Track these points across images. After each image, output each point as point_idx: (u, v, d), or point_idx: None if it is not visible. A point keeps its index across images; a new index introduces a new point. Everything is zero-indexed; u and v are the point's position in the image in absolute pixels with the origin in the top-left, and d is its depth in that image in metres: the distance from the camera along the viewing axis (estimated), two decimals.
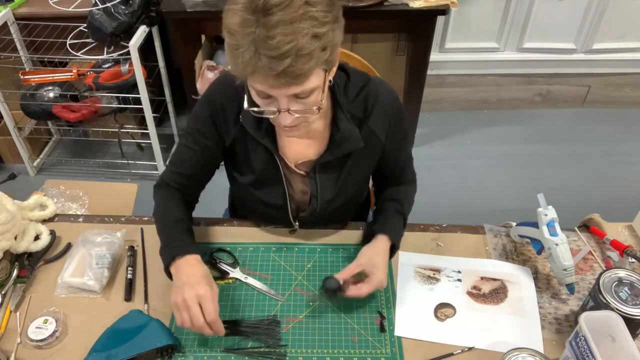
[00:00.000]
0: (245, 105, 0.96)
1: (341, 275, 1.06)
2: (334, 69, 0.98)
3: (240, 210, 1.39)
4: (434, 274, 1.16)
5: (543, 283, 1.14)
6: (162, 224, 1.13)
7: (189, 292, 0.97)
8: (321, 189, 1.16)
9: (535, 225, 1.12)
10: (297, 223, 1.24)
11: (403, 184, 1.27)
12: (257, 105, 0.95)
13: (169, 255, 1.04)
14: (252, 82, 0.90)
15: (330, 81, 0.98)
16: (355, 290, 1.05)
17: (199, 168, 1.17)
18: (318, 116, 1.00)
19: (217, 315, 0.97)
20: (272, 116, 0.95)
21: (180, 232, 1.10)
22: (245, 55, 0.84)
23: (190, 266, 1.02)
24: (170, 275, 1.04)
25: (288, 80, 0.85)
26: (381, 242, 1.12)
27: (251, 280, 1.14)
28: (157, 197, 1.18)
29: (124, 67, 2.33)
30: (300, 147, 1.15)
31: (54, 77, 2.36)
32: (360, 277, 1.07)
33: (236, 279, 1.15)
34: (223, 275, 1.16)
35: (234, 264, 1.17)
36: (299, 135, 1.03)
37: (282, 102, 0.91)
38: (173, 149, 2.80)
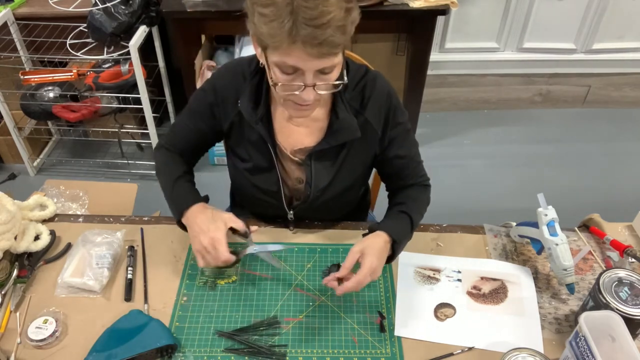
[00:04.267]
0: (270, 82, 0.98)
1: (341, 274, 1.03)
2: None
3: (238, 197, 1.39)
4: (434, 274, 1.16)
5: (543, 283, 1.14)
6: (164, 183, 1.21)
7: (204, 239, 1.06)
8: (315, 177, 1.16)
9: (535, 225, 1.12)
10: (291, 212, 1.24)
11: (411, 187, 1.23)
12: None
13: (177, 211, 1.14)
14: (286, 55, 0.90)
15: None
16: (350, 284, 1.00)
17: (191, 143, 1.24)
18: (319, 102, 1.06)
19: (228, 253, 1.05)
20: (296, 92, 0.96)
21: (183, 187, 1.18)
22: (284, 26, 0.86)
23: (199, 213, 1.10)
24: (182, 227, 1.14)
25: (326, 50, 0.88)
26: (377, 235, 1.10)
27: (262, 254, 1.15)
28: (156, 158, 1.26)
29: (124, 67, 2.33)
30: (297, 135, 1.16)
31: (54, 77, 2.36)
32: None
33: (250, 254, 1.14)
34: (237, 254, 1.10)
35: (245, 235, 1.13)
36: (307, 116, 1.06)
37: (309, 77, 0.93)
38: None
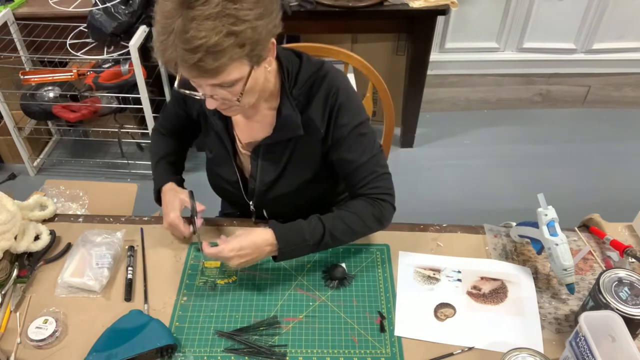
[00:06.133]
0: (175, 85, 1.01)
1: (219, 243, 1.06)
2: (270, 59, 1.01)
3: (210, 184, 1.40)
4: (434, 274, 1.16)
5: (543, 283, 1.14)
6: (151, 164, 1.31)
7: (165, 222, 1.19)
8: (261, 172, 1.19)
9: (535, 225, 1.12)
10: (251, 203, 1.25)
11: (359, 197, 1.14)
12: (188, 87, 1.00)
13: (155, 191, 1.26)
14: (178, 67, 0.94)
15: (266, 68, 1.02)
16: (211, 251, 1.05)
17: (176, 126, 1.31)
18: (266, 100, 1.10)
19: (187, 230, 1.18)
20: (200, 98, 1.00)
21: (161, 168, 1.28)
22: (166, 43, 0.89)
23: (164, 195, 1.23)
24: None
25: (199, 73, 0.90)
26: (261, 230, 1.07)
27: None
28: (151, 139, 1.38)
29: (124, 67, 2.33)
30: (250, 129, 1.18)
31: (54, 77, 2.36)
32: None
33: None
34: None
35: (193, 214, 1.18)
36: (234, 115, 1.12)
37: (205, 89, 0.97)
38: None
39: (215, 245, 1.07)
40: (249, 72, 0.96)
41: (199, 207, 1.19)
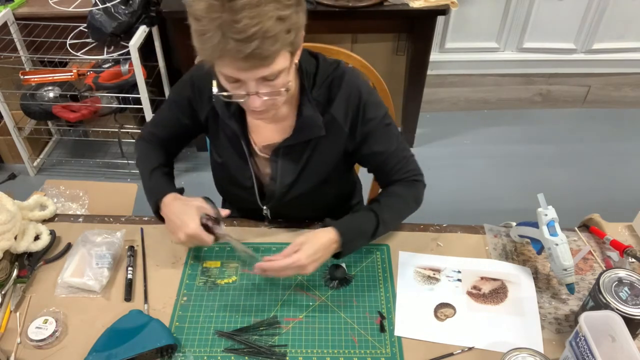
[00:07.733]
0: (215, 90, 1.00)
1: (279, 256, 1.04)
2: (299, 52, 1.00)
3: (218, 190, 1.39)
4: (434, 274, 1.16)
5: (543, 283, 1.14)
6: (142, 175, 1.24)
7: (181, 235, 1.09)
8: (281, 173, 1.18)
9: (535, 225, 1.12)
10: (264, 207, 1.25)
11: (395, 183, 1.19)
12: (226, 90, 0.98)
13: (153, 202, 1.18)
14: (221, 67, 0.92)
15: (296, 64, 1.02)
16: (267, 265, 1.02)
17: (173, 134, 1.27)
18: (285, 101, 1.06)
19: (210, 239, 1.10)
20: (241, 100, 0.98)
21: (157, 178, 1.22)
22: (212, 40, 0.86)
23: (170, 205, 1.14)
24: (160, 219, 1.17)
25: (256, 62, 0.88)
26: (324, 231, 1.07)
27: (233, 240, 1.14)
28: (137, 149, 1.30)
29: (124, 67, 2.33)
30: (267, 132, 1.17)
31: (54, 77, 2.36)
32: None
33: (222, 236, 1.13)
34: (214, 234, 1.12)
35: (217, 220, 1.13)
36: (267, 118, 1.06)
37: (251, 85, 0.94)
38: None
39: (258, 260, 1.06)
40: (290, 61, 0.95)
41: (223, 211, 1.15)
